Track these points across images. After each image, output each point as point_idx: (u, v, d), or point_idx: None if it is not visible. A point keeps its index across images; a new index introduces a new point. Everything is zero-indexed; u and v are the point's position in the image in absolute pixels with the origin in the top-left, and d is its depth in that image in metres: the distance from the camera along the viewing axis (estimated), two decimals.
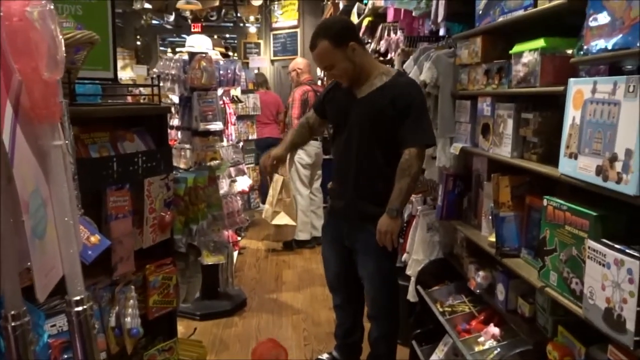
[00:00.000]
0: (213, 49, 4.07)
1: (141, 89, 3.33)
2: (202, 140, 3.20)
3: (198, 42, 3.70)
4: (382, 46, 4.11)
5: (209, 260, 3.34)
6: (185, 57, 3.30)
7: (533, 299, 1.91)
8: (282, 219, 4.71)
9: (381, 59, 4.14)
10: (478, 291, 2.20)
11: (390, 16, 3.64)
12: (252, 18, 10.94)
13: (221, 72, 3.33)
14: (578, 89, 1.43)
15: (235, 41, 11.89)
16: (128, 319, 1.35)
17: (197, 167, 1.89)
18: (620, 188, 1.22)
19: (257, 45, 10.57)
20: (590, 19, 1.39)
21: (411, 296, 2.82)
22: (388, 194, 2.17)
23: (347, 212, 2.32)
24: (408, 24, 3.42)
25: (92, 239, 1.04)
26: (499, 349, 2.01)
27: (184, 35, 12.42)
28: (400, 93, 2.16)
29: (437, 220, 2.64)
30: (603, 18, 1.33)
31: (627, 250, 1.23)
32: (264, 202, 6.19)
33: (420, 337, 2.78)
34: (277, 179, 4.79)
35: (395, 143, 2.17)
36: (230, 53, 10.82)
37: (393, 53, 3.77)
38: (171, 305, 1.57)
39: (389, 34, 4.04)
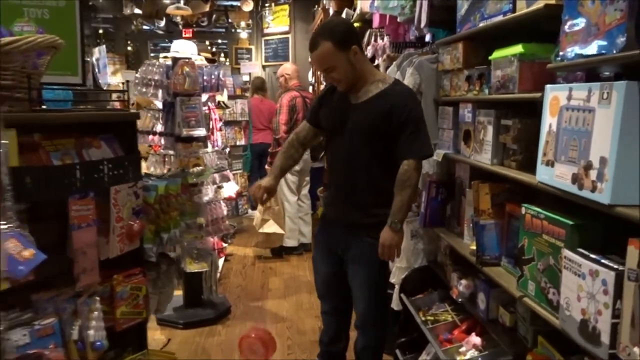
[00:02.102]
0: (199, 55, 4.03)
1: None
2: (185, 147, 3.16)
3: (183, 48, 3.66)
4: (369, 52, 4.09)
5: (192, 268, 3.30)
6: (169, 62, 3.27)
7: (514, 309, 1.87)
8: (271, 227, 4.66)
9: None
10: (460, 300, 2.17)
11: (375, 22, 3.62)
12: (243, 24, 10.93)
13: (205, 77, 3.29)
14: (554, 95, 1.41)
15: (227, 47, 11.88)
16: (91, 332, 1.30)
17: (180, 173, 1.85)
18: (595, 197, 1.20)
19: (249, 51, 10.54)
20: (567, 25, 1.37)
21: (395, 304, 2.78)
22: (382, 204, 2.13)
23: (340, 219, 2.27)
24: (393, 30, 3.41)
25: (25, 253, 1.00)
26: (480, 359, 1.98)
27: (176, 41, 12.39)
28: (398, 103, 2.09)
29: (421, 228, 2.61)
30: (578, 24, 1.31)
31: (602, 261, 1.21)
32: (253, 209, 6.15)
33: (404, 346, 2.74)
34: None
35: (391, 152, 2.12)
36: (220, 58, 10.79)
37: (379, 59, 3.75)
38: (140, 317, 1.52)
39: (375, 40, 4.02)
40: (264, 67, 9.46)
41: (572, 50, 1.34)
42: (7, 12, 1.39)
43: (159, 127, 3.38)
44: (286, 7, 9.79)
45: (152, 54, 10.77)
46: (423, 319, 2.39)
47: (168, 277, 1.71)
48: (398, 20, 3.09)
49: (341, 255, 2.28)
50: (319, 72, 5.05)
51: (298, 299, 3.81)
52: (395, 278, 2.78)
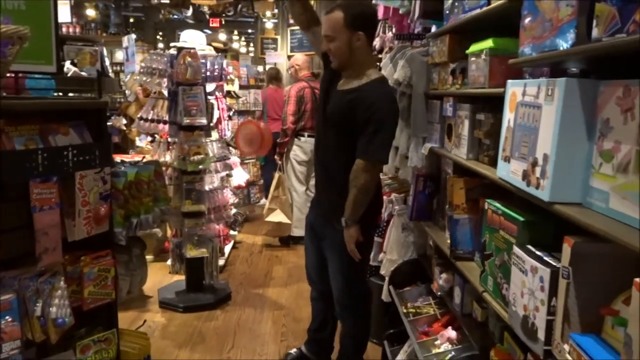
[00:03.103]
0: (209, 45, 4.10)
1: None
2: (186, 135, 3.24)
3: (191, 38, 3.72)
4: (377, 43, 4.08)
5: (192, 253, 3.39)
6: (174, 52, 3.34)
7: (486, 304, 1.87)
8: (277, 217, 4.73)
9: (379, 56, 4.12)
10: (439, 293, 2.18)
11: (380, 13, 3.60)
12: (268, 14, 10.98)
13: (208, 67, 3.35)
14: (513, 91, 1.40)
15: (254, 37, 11.96)
16: (53, 309, 1.38)
17: (153, 161, 1.91)
18: (538, 194, 1.20)
19: (275, 41, 10.59)
20: (525, 20, 1.36)
21: (384, 296, 2.80)
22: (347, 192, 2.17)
23: (320, 201, 2.38)
24: (398, 22, 3.39)
25: None
26: (452, 353, 1.99)
27: (206, 30, 12.55)
28: (366, 100, 2.09)
29: (410, 221, 2.62)
30: (534, 19, 1.30)
31: (545, 258, 1.20)
32: (266, 197, 6.23)
33: (392, 337, 2.76)
34: (275, 176, 4.82)
35: (355, 146, 2.15)
36: (243, 48, 10.85)
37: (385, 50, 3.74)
38: (109, 297, 1.59)
39: (384, 32, 4.01)
40: (289, 57, 9.49)
41: (529, 46, 1.33)
42: None
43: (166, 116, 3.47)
44: None
45: None
46: (405, 311, 2.40)
47: (140, 261, 1.78)
48: (400, 12, 3.08)
49: (321, 241, 2.34)
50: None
51: (299, 287, 3.86)
52: (385, 270, 2.80)
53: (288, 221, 4.71)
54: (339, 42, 2.11)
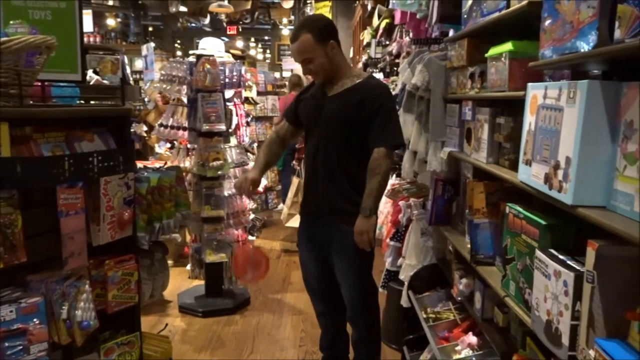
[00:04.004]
0: (227, 52, 4.14)
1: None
2: (205, 141, 3.27)
3: (210, 45, 3.77)
4: (394, 48, 4.09)
5: (211, 258, 3.41)
6: (193, 59, 3.39)
7: (508, 309, 1.86)
8: (297, 222, 4.73)
9: (397, 61, 4.12)
10: (459, 298, 2.17)
11: (397, 18, 3.62)
12: (285, 20, 11.08)
13: (227, 74, 3.38)
14: (534, 94, 1.39)
15: (271, 44, 12.06)
16: (79, 312, 1.40)
17: (174, 166, 1.94)
18: (561, 197, 1.19)
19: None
20: (545, 22, 1.35)
21: (404, 301, 2.79)
22: (359, 192, 2.18)
23: (320, 209, 2.32)
24: (415, 27, 3.39)
25: None
26: (474, 358, 1.98)
27: (223, 38, 12.69)
28: (369, 95, 2.19)
29: (429, 226, 2.61)
30: (555, 21, 1.30)
31: (568, 262, 1.19)
32: (284, 203, 6.25)
33: (411, 342, 2.75)
34: (294, 181, 4.84)
35: (364, 143, 2.19)
36: (261, 54, 10.95)
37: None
38: (132, 301, 1.61)
39: (401, 37, 4.01)
40: None
41: (550, 48, 1.33)
42: (13, 13, 1.51)
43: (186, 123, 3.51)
44: (328, 3, 9.82)
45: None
46: (425, 316, 2.39)
47: (162, 265, 1.80)
48: (417, 16, 3.08)
49: (325, 248, 2.32)
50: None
51: None
52: (404, 275, 2.79)
53: None
54: (318, 59, 2.21)
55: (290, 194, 4.82)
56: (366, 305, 2.36)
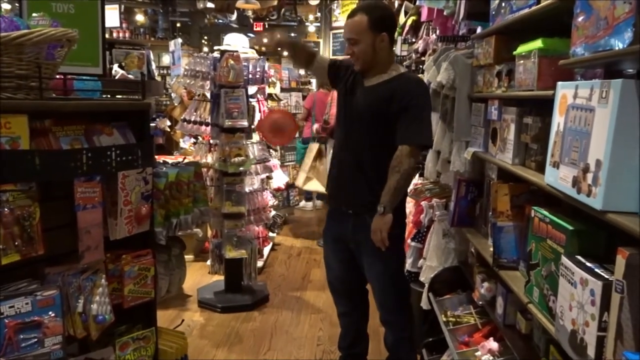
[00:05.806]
0: (252, 47, 4.14)
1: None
2: (227, 137, 3.27)
3: (234, 41, 3.77)
4: (420, 46, 4.02)
5: (231, 254, 3.42)
6: (217, 55, 3.39)
7: (531, 315, 1.80)
8: (313, 185, 4.79)
9: (422, 58, 4.05)
10: (481, 303, 2.11)
11: (424, 15, 3.55)
12: (311, 17, 11.03)
13: (250, 70, 3.37)
14: (563, 93, 1.34)
15: None
16: (94, 306, 1.40)
17: (193, 162, 1.93)
18: (590, 201, 1.13)
19: (317, 44, 10.63)
20: (578, 18, 1.29)
21: (424, 303, 2.73)
22: (383, 186, 2.12)
23: (348, 204, 2.26)
24: (442, 24, 3.32)
25: None
26: None
27: (250, 34, 12.74)
28: (402, 88, 2.14)
29: (452, 227, 2.55)
30: (588, 17, 1.24)
31: (596, 270, 1.14)
32: (308, 200, 6.25)
33: (430, 345, 2.70)
34: (312, 147, 4.85)
35: (393, 137, 2.12)
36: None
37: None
38: (149, 296, 1.61)
39: (428, 34, 3.94)
40: None
41: (582, 46, 1.27)
42: (36, 6, 1.52)
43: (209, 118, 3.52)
44: (355, 0, 9.75)
45: None
46: (445, 319, 2.34)
47: (179, 260, 1.79)
48: (444, 13, 3.02)
49: (354, 249, 2.28)
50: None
51: None
52: (425, 277, 2.74)
53: (323, 190, 4.69)
54: (364, 45, 2.16)
55: (308, 160, 4.83)
56: (401, 306, 2.33)
